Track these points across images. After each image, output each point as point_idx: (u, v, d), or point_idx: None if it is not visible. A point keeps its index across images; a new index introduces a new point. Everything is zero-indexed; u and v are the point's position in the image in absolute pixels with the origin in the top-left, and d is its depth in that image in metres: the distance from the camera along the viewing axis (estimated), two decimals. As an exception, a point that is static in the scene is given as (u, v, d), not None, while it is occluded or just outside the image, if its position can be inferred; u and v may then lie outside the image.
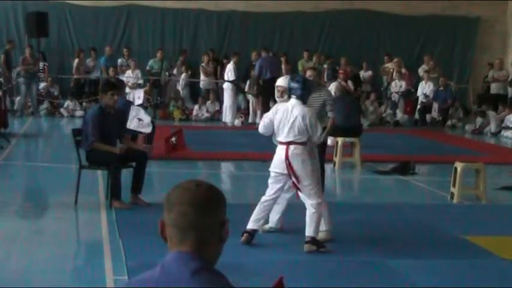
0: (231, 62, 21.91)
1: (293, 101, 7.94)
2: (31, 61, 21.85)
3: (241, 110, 22.65)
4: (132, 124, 12.40)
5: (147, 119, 12.99)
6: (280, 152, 7.95)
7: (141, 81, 22.58)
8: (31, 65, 21.82)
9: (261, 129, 8.24)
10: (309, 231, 7.82)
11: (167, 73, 23.53)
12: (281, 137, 7.94)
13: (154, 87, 23.06)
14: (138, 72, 22.58)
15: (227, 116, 21.74)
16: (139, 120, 12.72)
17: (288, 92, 8.15)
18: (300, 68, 23.33)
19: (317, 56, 23.81)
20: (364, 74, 24.16)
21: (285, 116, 7.89)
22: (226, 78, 21.89)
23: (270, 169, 8.08)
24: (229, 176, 13.82)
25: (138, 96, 13.84)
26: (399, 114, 23.24)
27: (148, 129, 12.81)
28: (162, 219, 2.45)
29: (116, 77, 20.64)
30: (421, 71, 23.81)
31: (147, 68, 23.03)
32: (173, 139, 13.77)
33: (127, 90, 20.48)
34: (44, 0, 23.64)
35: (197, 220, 2.38)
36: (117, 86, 10.47)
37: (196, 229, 2.38)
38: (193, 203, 2.38)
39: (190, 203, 2.38)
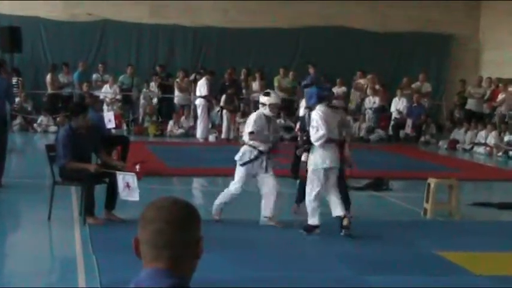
0: (203, 78, 21.83)
1: None
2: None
3: (215, 126, 22.62)
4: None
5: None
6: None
7: (119, 97, 22.57)
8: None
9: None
10: None
11: (138, 89, 23.46)
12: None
13: (125, 103, 23.04)
14: (116, 87, 22.55)
15: (198, 131, 21.67)
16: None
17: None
18: (275, 84, 23.35)
19: (293, 73, 23.80)
20: (338, 90, 24.21)
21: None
22: (198, 93, 21.82)
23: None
24: (203, 192, 13.78)
25: (109, 119, 13.87)
26: (381, 132, 23.26)
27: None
28: (137, 236, 2.44)
29: (90, 92, 20.56)
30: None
31: (118, 84, 22.97)
32: (137, 167, 13.71)
33: (104, 106, 20.41)
34: (18, 15, 23.52)
35: (172, 237, 2.38)
36: (88, 107, 10.55)
37: (171, 246, 2.38)
38: (168, 220, 2.38)
39: (165, 220, 2.38)
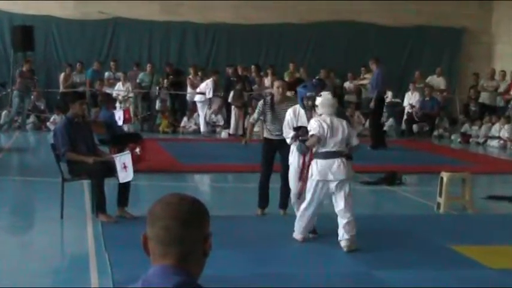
0: (211, 79, 22.01)
1: None
2: (28, 75, 21.79)
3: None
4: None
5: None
6: None
7: (131, 95, 22.58)
8: (28, 78, 21.75)
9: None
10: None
11: (157, 86, 23.47)
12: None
13: (143, 100, 23.10)
14: (129, 85, 22.57)
15: (203, 127, 21.91)
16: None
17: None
18: (286, 78, 23.27)
19: (304, 68, 23.75)
20: (350, 84, 24.19)
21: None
22: (199, 91, 22.07)
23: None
24: (214, 188, 13.78)
25: (119, 117, 14.02)
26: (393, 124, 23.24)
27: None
28: (145, 233, 2.43)
29: (103, 90, 20.60)
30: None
31: (137, 81, 22.98)
32: (137, 150, 13.65)
33: (117, 104, 20.46)
34: (30, 14, 23.59)
35: (180, 234, 2.36)
36: (86, 96, 10.78)
37: (179, 243, 2.36)
38: (176, 217, 2.37)
39: (173, 217, 2.37)
